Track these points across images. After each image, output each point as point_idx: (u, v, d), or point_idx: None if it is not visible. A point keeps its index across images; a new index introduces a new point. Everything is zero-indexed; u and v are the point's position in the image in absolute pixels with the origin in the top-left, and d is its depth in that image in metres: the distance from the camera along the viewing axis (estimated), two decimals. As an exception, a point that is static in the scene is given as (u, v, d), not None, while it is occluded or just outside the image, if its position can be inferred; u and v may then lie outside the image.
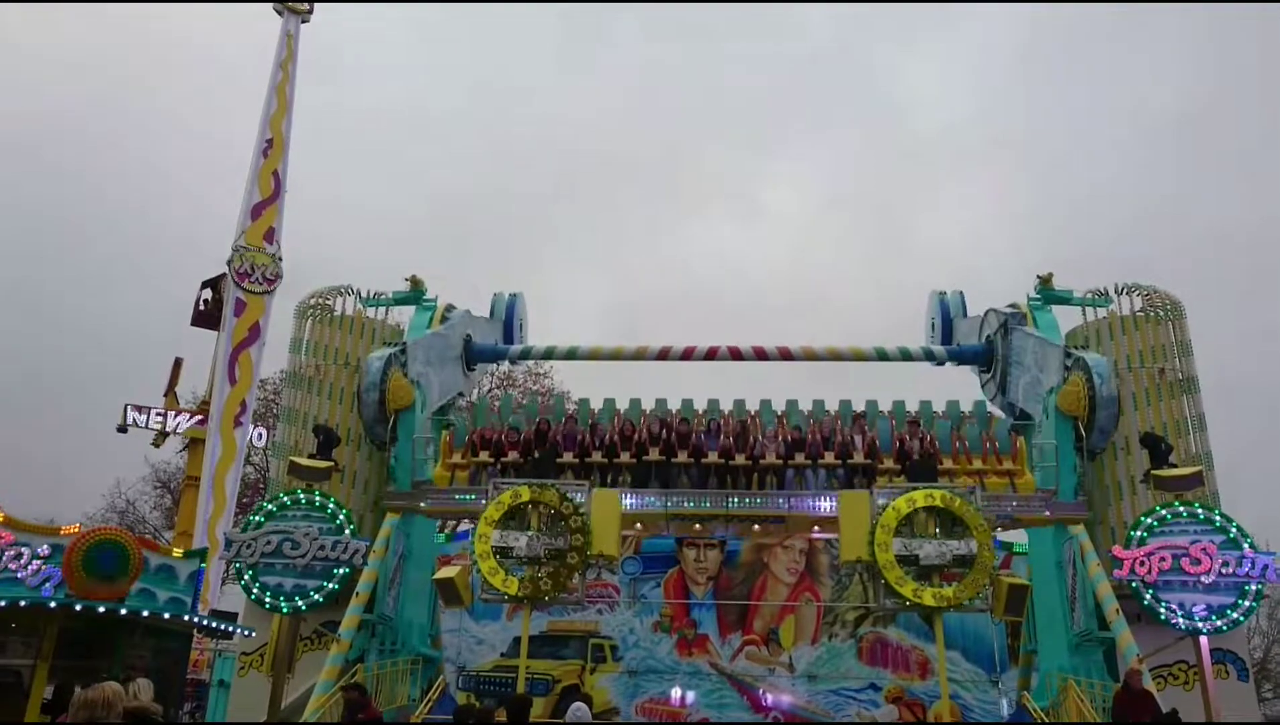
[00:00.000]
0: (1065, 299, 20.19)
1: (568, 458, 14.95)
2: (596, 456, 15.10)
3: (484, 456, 16.02)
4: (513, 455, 15.59)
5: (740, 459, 15.00)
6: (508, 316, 23.00)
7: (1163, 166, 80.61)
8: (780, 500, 14.68)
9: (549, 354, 21.95)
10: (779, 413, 17.44)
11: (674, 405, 19.19)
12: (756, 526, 15.24)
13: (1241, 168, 79.62)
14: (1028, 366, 18.15)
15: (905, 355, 20.09)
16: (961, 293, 22.62)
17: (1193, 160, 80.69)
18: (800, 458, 14.83)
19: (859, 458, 14.55)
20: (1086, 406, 15.12)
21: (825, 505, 14.45)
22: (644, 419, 16.83)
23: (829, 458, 15.11)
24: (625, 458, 14.97)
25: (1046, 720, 15.87)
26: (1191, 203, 78.45)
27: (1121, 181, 79.88)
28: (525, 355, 22.93)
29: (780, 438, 15.49)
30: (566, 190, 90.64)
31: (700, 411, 17.85)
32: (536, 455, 14.71)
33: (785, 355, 19.87)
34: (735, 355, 19.82)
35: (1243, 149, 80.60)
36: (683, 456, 14.79)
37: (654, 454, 14.75)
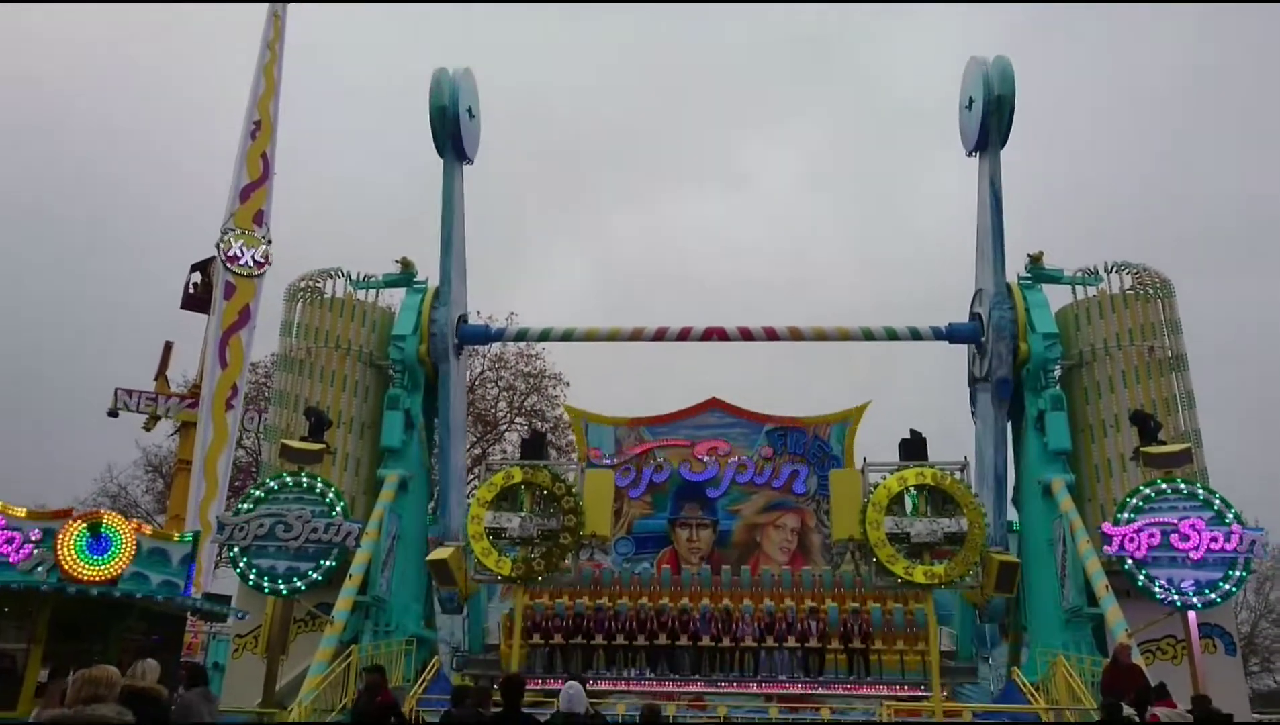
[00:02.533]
0: (1055, 277, 20.24)
1: (599, 640, 18.49)
2: (620, 638, 18.48)
3: (536, 638, 18.68)
4: (558, 637, 18.70)
5: (725, 642, 18.39)
6: (453, 116, 19.14)
7: (1155, 142, 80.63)
8: (753, 684, 18.07)
9: (545, 336, 21.45)
10: (756, 609, 19.19)
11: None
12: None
13: (1233, 143, 79.73)
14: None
15: (891, 335, 19.99)
16: (1010, 65, 18.06)
17: (1185, 136, 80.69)
18: (770, 640, 18.38)
19: (813, 643, 18.28)
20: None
21: (792, 689, 17.75)
22: (653, 610, 18.96)
23: (791, 641, 18.38)
24: (641, 640, 18.40)
25: (1036, 695, 16.01)
26: (1184, 178, 78.57)
27: (1113, 156, 79.84)
28: (521, 336, 22.74)
29: (756, 622, 18.69)
30: (549, 166, 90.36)
31: (695, 605, 19.50)
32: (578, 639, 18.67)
33: (771, 335, 19.93)
34: (722, 336, 19.90)
35: (1234, 124, 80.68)
36: (684, 639, 18.37)
37: (663, 638, 18.36)
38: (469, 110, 19.76)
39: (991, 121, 18.20)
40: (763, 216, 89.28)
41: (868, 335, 20.08)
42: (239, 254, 27.13)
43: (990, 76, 18.07)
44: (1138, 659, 14.26)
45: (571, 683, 9.38)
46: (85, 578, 12.18)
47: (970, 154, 19.47)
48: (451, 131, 19.11)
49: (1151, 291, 19.65)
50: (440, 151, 19.44)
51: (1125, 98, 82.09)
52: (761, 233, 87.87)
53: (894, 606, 19.17)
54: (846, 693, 17.59)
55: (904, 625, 18.98)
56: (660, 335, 20.08)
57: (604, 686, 17.33)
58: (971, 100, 18.83)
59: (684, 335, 20.00)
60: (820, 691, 17.47)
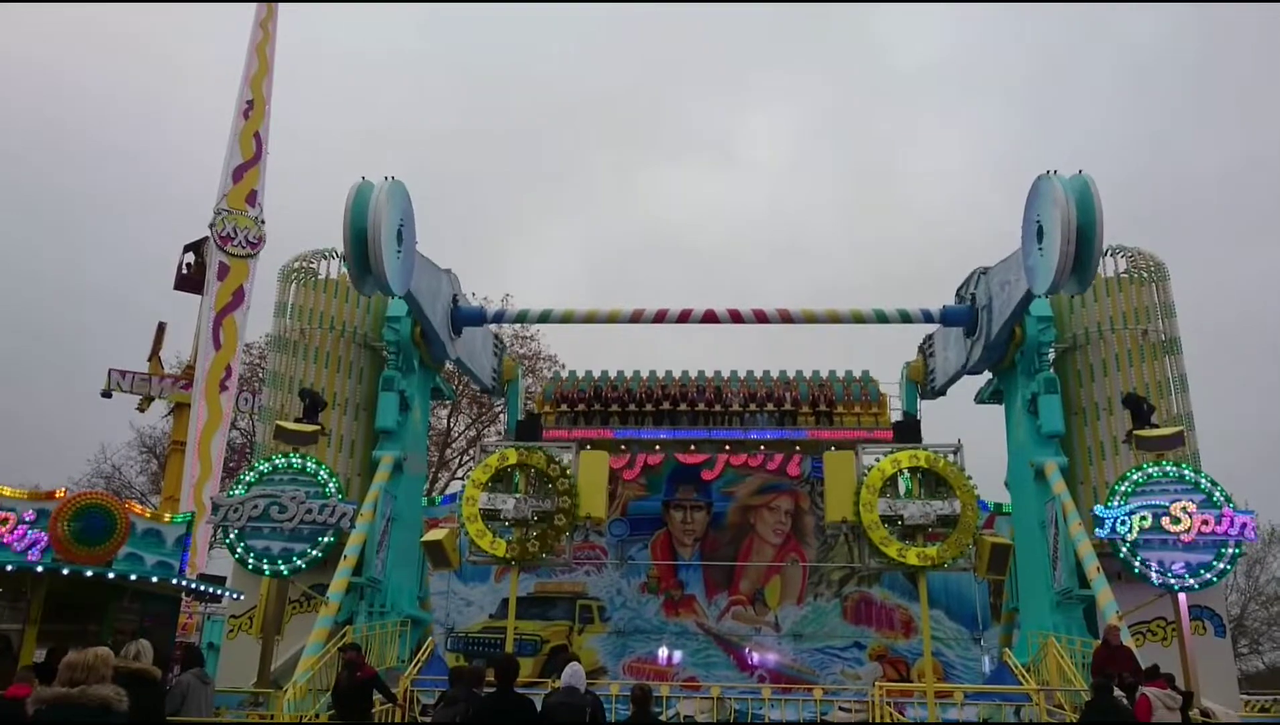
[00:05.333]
0: (1051, 260, 20.19)
1: (614, 408, 23.26)
2: (631, 406, 23.30)
3: (563, 408, 23.58)
4: (581, 406, 23.56)
5: (717, 407, 23.18)
6: (376, 243, 14.91)
7: (1152, 110, 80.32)
8: (738, 432, 22.92)
9: (544, 317, 20.94)
10: (741, 378, 24.33)
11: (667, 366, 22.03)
12: (727, 446, 22.95)
13: (1226, 113, 79.49)
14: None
15: (881, 317, 19.80)
16: (1089, 186, 14.32)
17: (1180, 106, 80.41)
18: (752, 407, 23.12)
19: (787, 407, 23.06)
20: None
21: (766, 434, 23.01)
22: (659, 383, 23.94)
23: (770, 407, 23.00)
24: (649, 407, 23.24)
25: (1027, 676, 16.13)
26: (1179, 147, 78.33)
27: (1110, 128, 79.53)
28: (520, 318, 22.57)
29: (741, 393, 23.70)
30: (536, 143, 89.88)
31: (694, 377, 24.37)
32: (597, 407, 23.46)
33: (761, 318, 19.81)
34: (711, 318, 19.84)
35: (1227, 95, 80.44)
36: (683, 405, 23.07)
37: (667, 404, 23.21)
38: (399, 232, 15.68)
39: (1065, 263, 14.14)
40: (755, 189, 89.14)
41: (858, 317, 19.90)
42: (232, 234, 27.01)
43: (1065, 203, 14.06)
44: (1127, 640, 14.36)
45: (574, 664, 9.43)
46: (79, 559, 12.17)
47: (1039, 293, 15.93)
48: (375, 267, 14.95)
49: (1146, 275, 19.68)
50: (360, 288, 16.05)
51: (1122, 60, 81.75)
52: (755, 205, 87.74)
53: (855, 384, 23.65)
54: (814, 438, 21.60)
55: (860, 396, 23.22)
56: (660, 317, 19.99)
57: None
58: (1041, 230, 14.79)
59: (683, 317, 19.91)
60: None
